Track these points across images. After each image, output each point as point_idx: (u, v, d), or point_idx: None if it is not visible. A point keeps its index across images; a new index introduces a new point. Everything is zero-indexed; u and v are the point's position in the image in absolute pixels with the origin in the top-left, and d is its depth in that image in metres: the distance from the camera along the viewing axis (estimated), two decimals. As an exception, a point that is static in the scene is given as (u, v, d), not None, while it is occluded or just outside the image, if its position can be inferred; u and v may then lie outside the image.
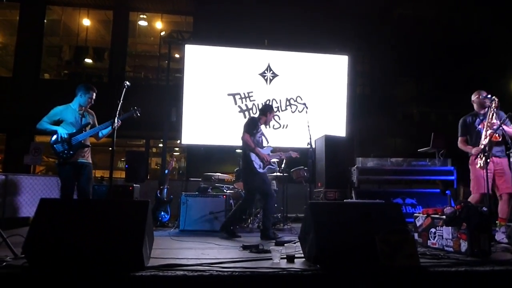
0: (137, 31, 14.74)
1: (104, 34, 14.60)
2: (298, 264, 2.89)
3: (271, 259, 2.97)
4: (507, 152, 4.42)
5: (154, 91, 11.91)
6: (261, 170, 4.79)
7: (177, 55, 12.22)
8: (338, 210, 3.08)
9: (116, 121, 4.01)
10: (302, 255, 3.08)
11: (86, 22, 14.06)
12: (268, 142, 5.12)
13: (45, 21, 13.57)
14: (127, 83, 4.19)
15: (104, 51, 14.34)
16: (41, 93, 12.54)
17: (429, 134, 7.15)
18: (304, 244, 3.09)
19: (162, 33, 14.45)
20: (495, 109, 4.46)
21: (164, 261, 2.79)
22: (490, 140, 4.32)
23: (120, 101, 4.05)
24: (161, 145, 15.76)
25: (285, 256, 3.00)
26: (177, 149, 15.72)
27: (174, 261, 2.79)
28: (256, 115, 5.23)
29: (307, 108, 5.41)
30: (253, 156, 4.77)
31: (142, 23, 14.59)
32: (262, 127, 5.11)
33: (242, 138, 4.85)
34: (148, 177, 11.36)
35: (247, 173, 4.84)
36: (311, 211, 2.97)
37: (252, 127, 4.87)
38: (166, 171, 6.70)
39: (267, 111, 5.09)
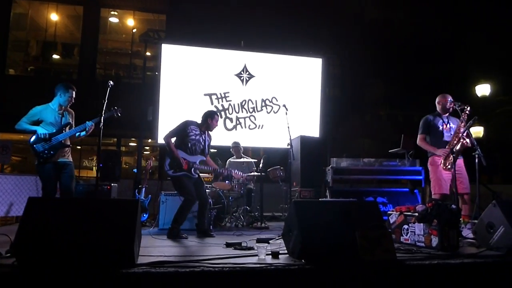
0: (108, 28, 14.51)
1: (73, 30, 14.29)
2: (282, 259, 3.00)
3: (256, 255, 3.07)
4: (473, 154, 4.69)
5: (125, 89, 11.77)
6: (170, 173, 4.69)
7: (148, 53, 12.13)
8: (321, 208, 3.24)
9: (101, 121, 4.02)
10: (286, 252, 3.21)
11: (54, 17, 13.70)
12: (204, 153, 4.95)
13: (11, 14, 13.13)
14: (111, 82, 4.21)
15: (74, 47, 14.04)
16: (6, 89, 12.18)
17: (396, 135, 7.43)
18: (287, 240, 3.22)
19: (134, 30, 14.30)
20: (465, 117, 4.68)
21: (152, 258, 2.84)
22: (461, 146, 4.57)
23: (105, 101, 4.06)
24: (131, 144, 15.59)
25: (270, 252, 3.11)
26: (147, 148, 15.58)
27: (162, 259, 2.84)
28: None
29: (287, 109, 5.54)
30: (166, 158, 4.71)
31: (113, 20, 14.38)
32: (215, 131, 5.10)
33: (163, 137, 4.79)
34: (120, 176, 11.21)
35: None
36: (295, 209, 3.10)
37: (178, 130, 4.79)
38: (135, 170, 6.66)
39: (207, 117, 4.97)
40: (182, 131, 4.79)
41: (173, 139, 4.85)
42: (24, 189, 6.80)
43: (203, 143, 4.93)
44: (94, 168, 16.15)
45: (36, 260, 2.52)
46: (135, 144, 15.66)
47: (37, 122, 4.25)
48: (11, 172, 12.07)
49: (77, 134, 4.46)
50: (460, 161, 4.82)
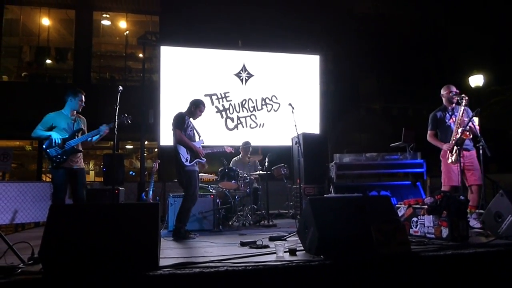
0: (101, 31, 14.45)
1: (66, 34, 14.20)
2: (300, 256, 3.06)
3: (274, 253, 3.13)
4: (477, 145, 4.76)
5: (122, 92, 11.69)
6: (187, 164, 4.74)
7: (141, 55, 12.10)
8: (335, 204, 3.30)
9: (115, 126, 4.08)
10: (302, 248, 3.27)
11: (46, 21, 13.62)
12: (200, 137, 5.13)
13: (3, 20, 13.04)
14: (121, 88, 4.29)
15: (67, 52, 13.97)
16: (0, 96, 12.10)
17: (391, 128, 7.52)
18: (303, 237, 3.28)
19: (127, 33, 14.25)
20: (465, 107, 4.79)
21: (172, 260, 2.88)
22: (461, 137, 4.66)
23: (117, 106, 4.11)
24: (128, 146, 15.55)
25: (287, 249, 3.17)
26: (145, 149, 15.51)
27: (183, 260, 2.88)
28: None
29: (293, 108, 5.61)
30: (181, 149, 4.76)
31: (106, 22, 14.33)
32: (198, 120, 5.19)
33: (174, 135, 4.85)
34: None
35: (176, 167, 4.84)
36: (311, 206, 3.16)
37: (180, 123, 4.86)
38: (132, 173, 6.68)
39: (192, 105, 5.04)
40: (184, 123, 4.90)
41: None
42: (28, 196, 6.80)
43: (195, 128, 5.11)
44: (91, 171, 16.13)
45: (62, 266, 2.56)
46: (132, 147, 15.63)
47: (51, 128, 4.38)
48: (10, 179, 12.01)
49: (89, 139, 4.52)
50: (472, 153, 4.87)
